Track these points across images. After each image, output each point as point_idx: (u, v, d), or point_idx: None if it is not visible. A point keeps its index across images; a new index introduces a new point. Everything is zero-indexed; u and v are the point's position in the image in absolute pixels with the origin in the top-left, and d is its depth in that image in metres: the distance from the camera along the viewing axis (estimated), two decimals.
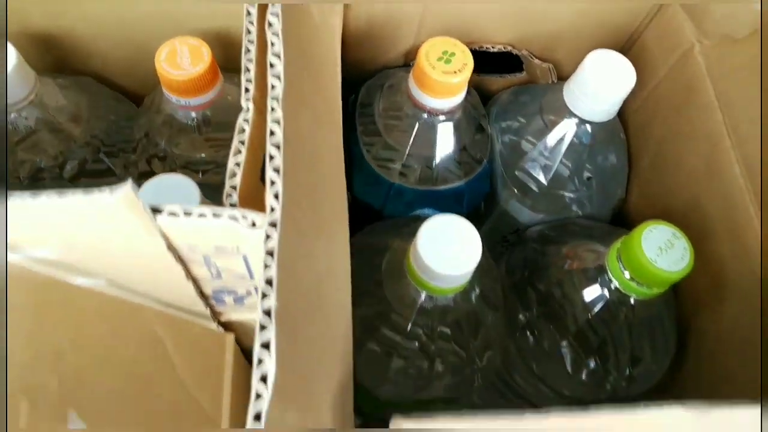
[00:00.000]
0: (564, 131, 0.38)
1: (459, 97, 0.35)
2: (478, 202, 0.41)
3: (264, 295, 0.18)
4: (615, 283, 0.32)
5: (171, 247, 0.19)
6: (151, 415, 0.21)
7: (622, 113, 0.43)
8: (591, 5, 0.39)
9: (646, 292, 0.31)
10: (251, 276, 0.22)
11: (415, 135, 0.36)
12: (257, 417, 0.16)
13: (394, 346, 0.33)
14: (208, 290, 0.24)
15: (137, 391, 0.21)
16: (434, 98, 0.34)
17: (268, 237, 0.18)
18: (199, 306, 0.25)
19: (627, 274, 0.31)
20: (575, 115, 0.36)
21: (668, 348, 0.35)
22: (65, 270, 0.20)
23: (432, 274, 0.28)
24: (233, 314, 0.27)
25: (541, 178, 0.39)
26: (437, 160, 0.37)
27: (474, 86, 0.45)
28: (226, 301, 0.25)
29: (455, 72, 0.33)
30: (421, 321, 0.32)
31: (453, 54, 0.34)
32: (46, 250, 0.19)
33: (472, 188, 0.39)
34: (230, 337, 0.27)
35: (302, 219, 0.20)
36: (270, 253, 0.18)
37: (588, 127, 0.37)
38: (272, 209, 0.18)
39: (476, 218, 0.44)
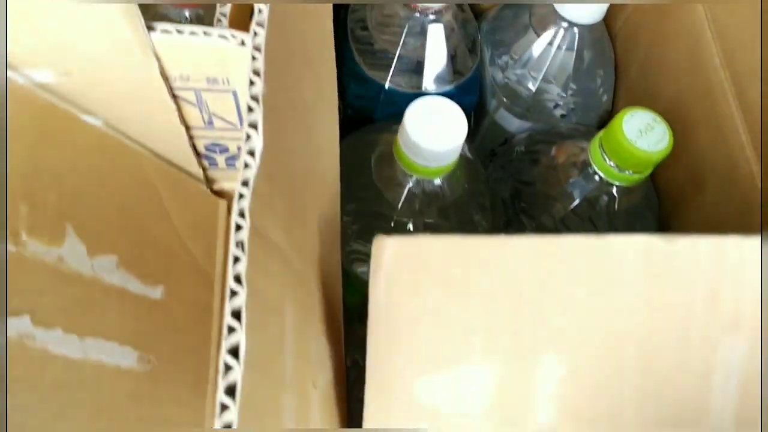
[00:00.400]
0: (551, 36, 0.38)
1: None
2: (467, 111, 0.42)
3: (250, 109, 0.18)
4: (598, 173, 0.33)
5: (164, 75, 0.20)
6: (145, 249, 0.22)
7: (611, 27, 0.43)
8: None
9: (628, 178, 0.32)
10: (241, 122, 0.23)
11: (405, 36, 0.37)
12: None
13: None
14: (201, 146, 0.25)
15: (132, 226, 0.22)
16: None
17: (254, 59, 0.19)
18: (193, 165, 0.26)
19: (609, 161, 0.32)
20: (563, 18, 0.37)
21: None
22: (66, 102, 0.21)
23: (418, 151, 0.29)
24: (225, 182, 0.28)
25: (530, 85, 0.40)
26: (427, 62, 0.38)
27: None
28: (218, 162, 0.26)
29: None
30: (410, 208, 0.33)
31: None
32: (44, 72, 0.20)
33: (461, 94, 0.40)
34: (223, 203, 0.28)
35: (286, 45, 0.20)
36: (256, 73, 0.19)
37: (576, 30, 0.38)
38: (255, 33, 0.19)
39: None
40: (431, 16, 0.36)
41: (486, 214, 0.37)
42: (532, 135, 0.40)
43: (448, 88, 0.39)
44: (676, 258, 0.21)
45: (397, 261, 0.20)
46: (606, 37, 0.42)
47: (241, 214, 0.15)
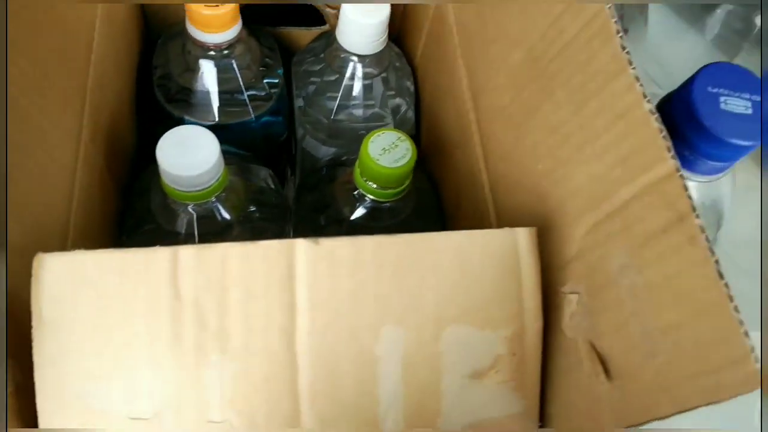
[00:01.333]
0: (342, 66, 0.41)
1: (230, 33, 0.38)
2: (274, 140, 0.44)
3: None
4: (360, 191, 0.35)
5: None
6: None
7: (413, 56, 0.47)
8: None
9: (383, 193, 0.34)
10: None
11: (198, 71, 0.39)
12: None
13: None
14: None
15: None
16: (205, 32, 0.37)
17: None
18: None
19: (366, 180, 0.34)
20: (347, 51, 0.40)
21: None
22: None
23: (171, 178, 0.31)
24: None
25: (329, 112, 0.42)
26: (220, 95, 0.40)
27: (286, 41, 0.48)
28: None
29: (216, 5, 0.36)
30: (189, 232, 0.35)
31: None
32: None
33: (263, 125, 0.42)
34: None
35: None
36: None
37: (362, 60, 0.41)
38: None
39: (288, 160, 0.48)
40: (224, 51, 0.39)
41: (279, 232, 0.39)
42: (334, 159, 0.43)
43: (246, 119, 0.41)
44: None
45: (58, 277, 0.22)
46: (403, 64, 0.45)
47: None
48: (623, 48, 0.24)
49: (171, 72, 0.40)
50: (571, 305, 0.25)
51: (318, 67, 0.43)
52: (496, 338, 0.24)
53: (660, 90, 0.30)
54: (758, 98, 0.25)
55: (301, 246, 0.23)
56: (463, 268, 0.23)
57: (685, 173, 0.27)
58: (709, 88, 0.25)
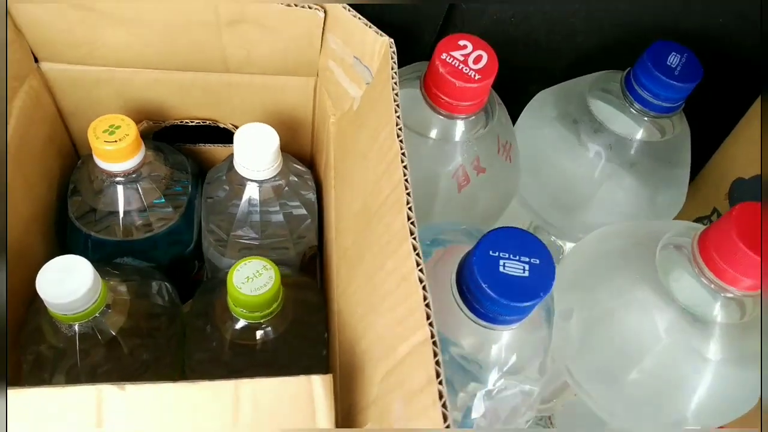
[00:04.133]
0: (241, 186, 0.45)
1: (131, 162, 0.42)
2: (179, 252, 0.47)
3: None
4: (233, 315, 0.38)
5: None
6: None
7: (324, 178, 0.51)
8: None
9: (251, 316, 0.37)
10: None
11: (103, 194, 0.43)
12: None
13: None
14: None
15: None
16: (106, 163, 0.41)
17: None
18: None
19: (233, 304, 0.37)
20: (242, 176, 0.44)
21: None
22: None
23: (52, 306, 0.35)
24: None
25: (228, 228, 0.46)
26: (124, 214, 0.44)
27: (208, 156, 0.53)
28: None
29: (116, 141, 0.41)
30: (70, 350, 0.38)
31: (118, 126, 0.41)
32: None
33: (167, 239, 0.46)
34: None
35: None
36: None
37: (258, 183, 0.44)
38: None
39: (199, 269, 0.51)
40: (119, 178, 0.43)
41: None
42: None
43: (149, 234, 0.45)
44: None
45: None
46: (305, 180, 0.49)
47: None
48: (409, 218, 0.27)
49: (81, 191, 0.44)
50: None
51: (221, 185, 0.47)
52: None
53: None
54: (537, 261, 0.28)
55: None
56: (256, 414, 0.26)
57: (482, 322, 0.30)
58: (491, 252, 0.28)
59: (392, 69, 0.34)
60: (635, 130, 0.43)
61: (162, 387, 0.25)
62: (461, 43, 0.37)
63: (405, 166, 0.29)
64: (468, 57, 0.37)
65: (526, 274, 0.28)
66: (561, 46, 0.48)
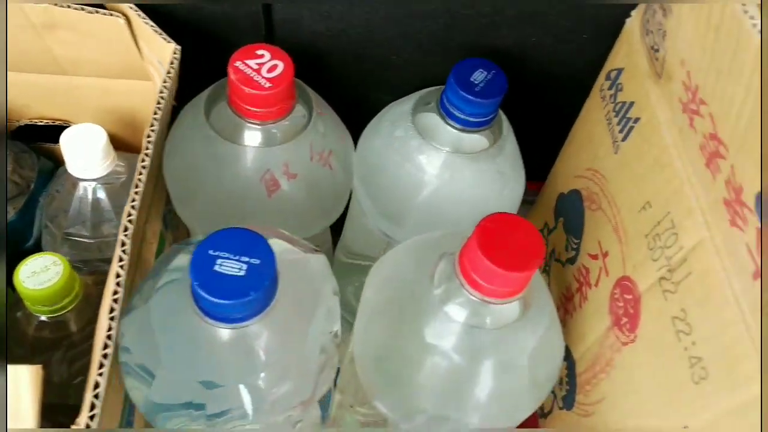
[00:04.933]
0: (73, 185, 0.46)
1: None
2: (15, 248, 0.49)
3: None
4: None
5: None
6: None
7: None
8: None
9: (40, 309, 0.38)
10: None
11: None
12: None
13: None
14: None
15: None
16: None
17: None
18: None
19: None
20: (77, 178, 0.45)
21: None
22: None
23: None
24: None
25: (61, 227, 0.47)
26: None
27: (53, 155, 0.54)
28: None
29: None
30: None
31: None
32: None
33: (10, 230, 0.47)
34: None
35: None
36: None
37: (87, 183, 0.45)
38: None
39: None
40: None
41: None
42: None
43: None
44: None
45: None
46: None
47: None
48: None
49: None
50: None
51: (60, 184, 0.48)
52: None
53: None
54: (257, 261, 0.29)
55: None
56: None
57: (209, 320, 0.30)
58: (210, 251, 0.29)
59: (168, 74, 0.35)
60: (452, 144, 0.44)
61: None
62: (259, 52, 0.39)
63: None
64: (263, 66, 0.38)
65: (243, 273, 0.28)
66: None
